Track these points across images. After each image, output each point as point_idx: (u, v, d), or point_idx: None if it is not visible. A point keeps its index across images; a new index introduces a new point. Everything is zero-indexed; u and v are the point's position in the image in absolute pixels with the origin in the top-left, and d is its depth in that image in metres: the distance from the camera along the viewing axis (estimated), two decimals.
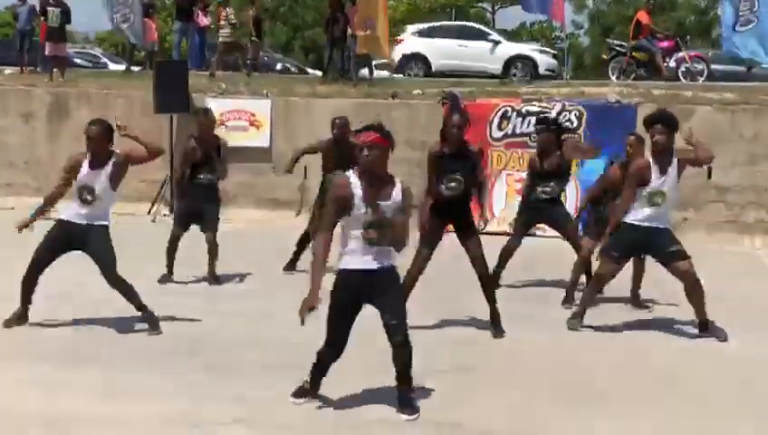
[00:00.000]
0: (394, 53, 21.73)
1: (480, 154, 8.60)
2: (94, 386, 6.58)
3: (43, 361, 7.18)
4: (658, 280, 9.08)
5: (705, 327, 8.24)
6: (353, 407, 6.19)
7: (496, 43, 22.43)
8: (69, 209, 8.03)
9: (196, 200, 10.14)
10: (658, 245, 8.19)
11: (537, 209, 9.72)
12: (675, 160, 8.06)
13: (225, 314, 8.69)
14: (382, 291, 5.96)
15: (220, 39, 19.85)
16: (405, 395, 6.13)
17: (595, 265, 8.84)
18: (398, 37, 23.47)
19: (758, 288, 10.39)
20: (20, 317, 8.14)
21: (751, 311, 9.24)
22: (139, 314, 8.10)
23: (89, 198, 7.87)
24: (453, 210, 8.22)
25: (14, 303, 8.06)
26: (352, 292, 5.97)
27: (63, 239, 8.00)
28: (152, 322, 8.10)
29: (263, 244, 12.04)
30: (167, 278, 10.19)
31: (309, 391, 6.28)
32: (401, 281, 6.48)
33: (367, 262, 5.91)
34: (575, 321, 8.49)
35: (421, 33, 23.37)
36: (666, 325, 8.60)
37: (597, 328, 8.42)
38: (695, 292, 8.18)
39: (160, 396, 6.36)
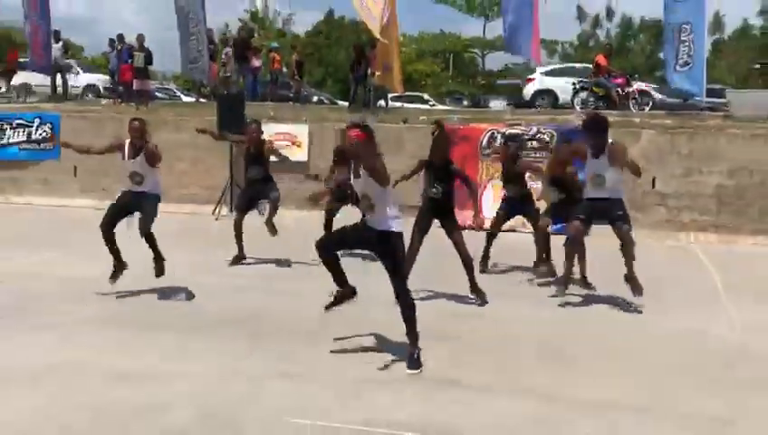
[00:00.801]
0: (526, 90, 22.21)
1: (459, 171, 8.54)
2: (162, 348, 6.62)
3: (124, 326, 7.24)
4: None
5: (628, 280, 8.15)
6: (370, 365, 6.21)
7: None
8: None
9: (250, 190, 10.21)
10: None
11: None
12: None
13: (272, 292, 8.72)
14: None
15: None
16: (409, 353, 6.22)
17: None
18: (530, 76, 23.16)
19: (690, 274, 10.35)
20: (117, 271, 8.39)
21: (685, 291, 9.22)
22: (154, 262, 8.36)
23: (138, 179, 8.26)
24: (438, 209, 8.27)
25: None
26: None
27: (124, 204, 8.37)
28: (160, 268, 8.40)
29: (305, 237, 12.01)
30: (238, 259, 10.14)
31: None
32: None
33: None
34: (562, 288, 8.51)
35: (549, 73, 22.95)
36: (625, 306, 8.56)
37: (574, 304, 8.42)
38: (628, 248, 8.09)
39: (216, 356, 6.40)
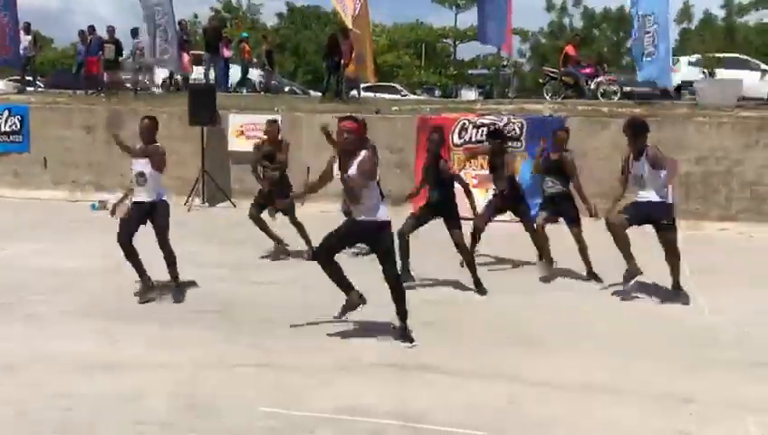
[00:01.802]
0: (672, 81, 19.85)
1: (452, 174, 8.65)
2: (140, 338, 6.63)
3: (101, 317, 7.23)
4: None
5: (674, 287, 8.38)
6: (344, 353, 6.26)
7: (764, 72, 20.55)
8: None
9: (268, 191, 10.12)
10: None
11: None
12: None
13: (248, 283, 8.74)
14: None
15: None
16: (403, 329, 6.58)
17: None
18: (674, 67, 20.25)
19: (660, 260, 10.41)
20: (147, 289, 8.06)
21: (654, 276, 9.34)
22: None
23: (141, 180, 8.06)
24: (438, 209, 8.47)
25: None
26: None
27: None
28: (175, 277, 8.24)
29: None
30: (280, 250, 10.12)
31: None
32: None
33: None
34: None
35: (694, 64, 21.15)
36: (595, 292, 8.68)
37: (548, 291, 8.53)
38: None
39: (193, 346, 6.42)
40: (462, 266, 8.74)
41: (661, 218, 8.10)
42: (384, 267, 6.45)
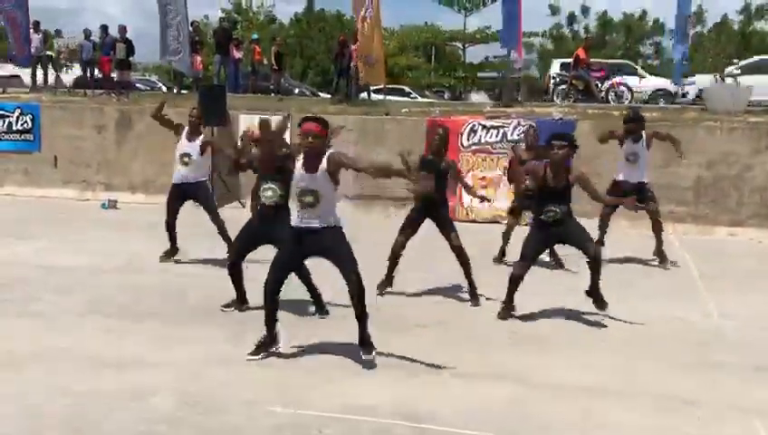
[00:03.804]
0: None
1: (451, 163, 8.32)
2: (146, 336, 6.65)
3: (108, 315, 7.27)
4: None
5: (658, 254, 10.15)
6: (350, 352, 6.25)
7: None
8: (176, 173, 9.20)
9: None
10: None
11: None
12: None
13: (253, 281, 8.74)
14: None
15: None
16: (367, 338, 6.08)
17: None
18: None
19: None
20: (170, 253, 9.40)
21: (663, 280, 9.40)
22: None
23: (186, 160, 9.05)
24: (429, 208, 8.08)
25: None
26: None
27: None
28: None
29: None
30: None
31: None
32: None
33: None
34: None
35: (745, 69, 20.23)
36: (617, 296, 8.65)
37: (552, 292, 8.48)
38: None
39: (198, 344, 6.44)
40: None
41: (647, 193, 10.04)
42: (345, 269, 5.94)
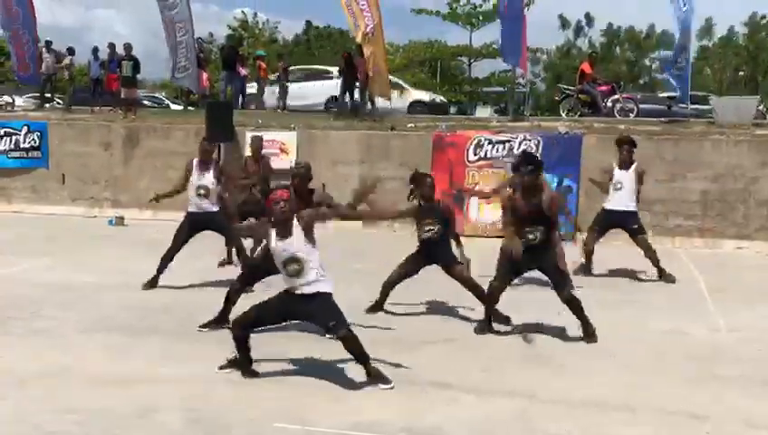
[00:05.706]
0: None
1: (450, 207, 8.33)
2: (149, 353, 6.65)
3: (111, 332, 7.29)
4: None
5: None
6: (357, 369, 6.22)
7: None
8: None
9: None
10: None
11: None
12: None
13: (257, 298, 8.73)
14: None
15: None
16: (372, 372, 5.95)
17: None
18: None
19: (676, 277, 10.39)
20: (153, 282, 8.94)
21: (670, 294, 9.37)
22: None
23: (202, 192, 9.01)
24: (431, 251, 7.95)
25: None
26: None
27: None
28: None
29: None
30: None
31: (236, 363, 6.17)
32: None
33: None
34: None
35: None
36: (609, 308, 8.63)
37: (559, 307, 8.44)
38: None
39: (203, 360, 6.42)
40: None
41: (633, 224, 10.14)
42: (338, 333, 5.89)
